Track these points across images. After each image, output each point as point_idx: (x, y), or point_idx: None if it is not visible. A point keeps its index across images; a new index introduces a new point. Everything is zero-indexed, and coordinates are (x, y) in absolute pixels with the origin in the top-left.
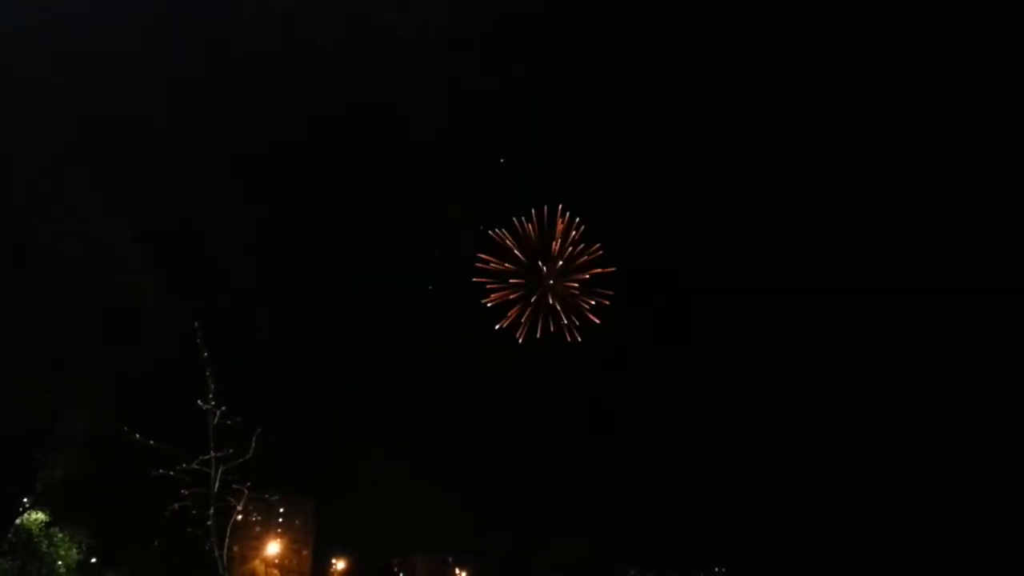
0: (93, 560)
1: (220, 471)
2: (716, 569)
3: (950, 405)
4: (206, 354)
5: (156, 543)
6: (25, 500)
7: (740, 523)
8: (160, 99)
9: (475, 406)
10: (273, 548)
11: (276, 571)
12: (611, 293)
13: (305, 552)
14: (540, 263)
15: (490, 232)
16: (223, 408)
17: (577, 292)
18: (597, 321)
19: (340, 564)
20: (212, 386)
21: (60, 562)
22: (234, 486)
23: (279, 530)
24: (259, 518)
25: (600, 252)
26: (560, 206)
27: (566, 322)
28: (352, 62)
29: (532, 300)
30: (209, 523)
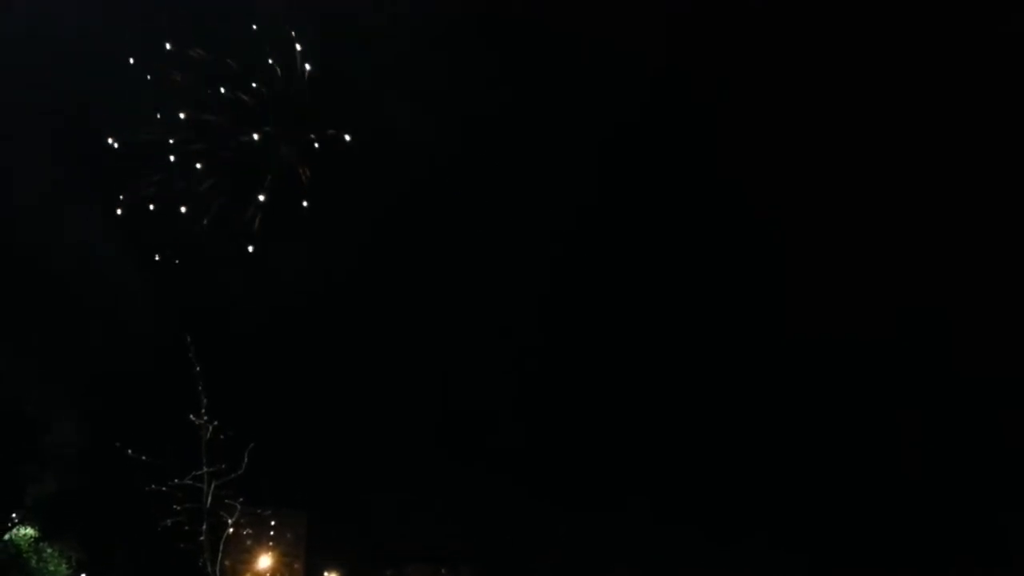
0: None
1: (212, 486)
2: (700, 565)
3: (949, 401)
4: (198, 368)
5: (148, 559)
6: (14, 515)
7: (726, 519)
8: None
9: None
10: (264, 562)
11: None
12: None
13: (297, 565)
14: None
15: None
16: (215, 423)
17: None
18: None
19: None
20: (204, 400)
21: None
22: (227, 501)
23: (270, 544)
24: (250, 532)
25: None
26: None
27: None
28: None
29: None
30: (202, 538)
